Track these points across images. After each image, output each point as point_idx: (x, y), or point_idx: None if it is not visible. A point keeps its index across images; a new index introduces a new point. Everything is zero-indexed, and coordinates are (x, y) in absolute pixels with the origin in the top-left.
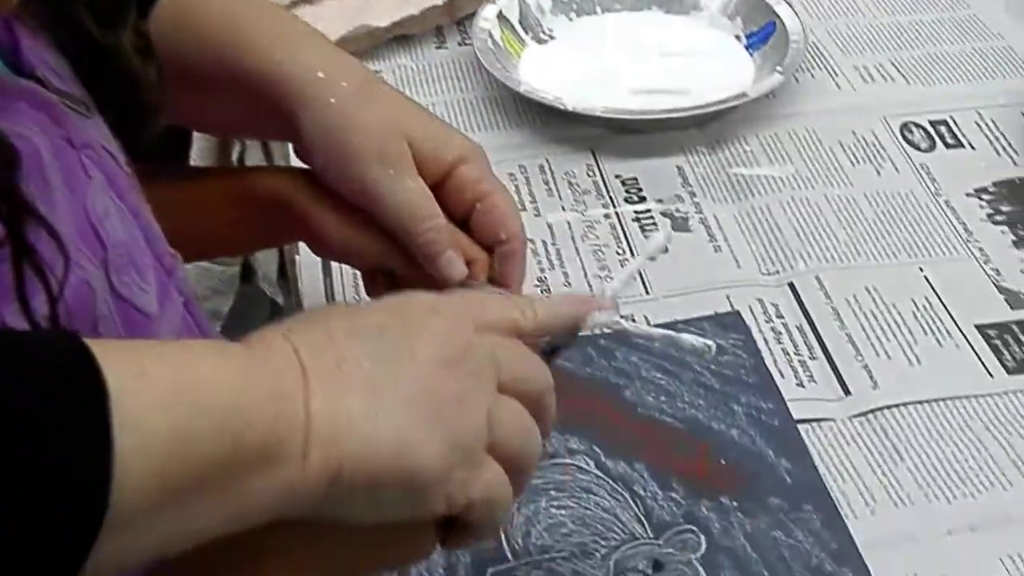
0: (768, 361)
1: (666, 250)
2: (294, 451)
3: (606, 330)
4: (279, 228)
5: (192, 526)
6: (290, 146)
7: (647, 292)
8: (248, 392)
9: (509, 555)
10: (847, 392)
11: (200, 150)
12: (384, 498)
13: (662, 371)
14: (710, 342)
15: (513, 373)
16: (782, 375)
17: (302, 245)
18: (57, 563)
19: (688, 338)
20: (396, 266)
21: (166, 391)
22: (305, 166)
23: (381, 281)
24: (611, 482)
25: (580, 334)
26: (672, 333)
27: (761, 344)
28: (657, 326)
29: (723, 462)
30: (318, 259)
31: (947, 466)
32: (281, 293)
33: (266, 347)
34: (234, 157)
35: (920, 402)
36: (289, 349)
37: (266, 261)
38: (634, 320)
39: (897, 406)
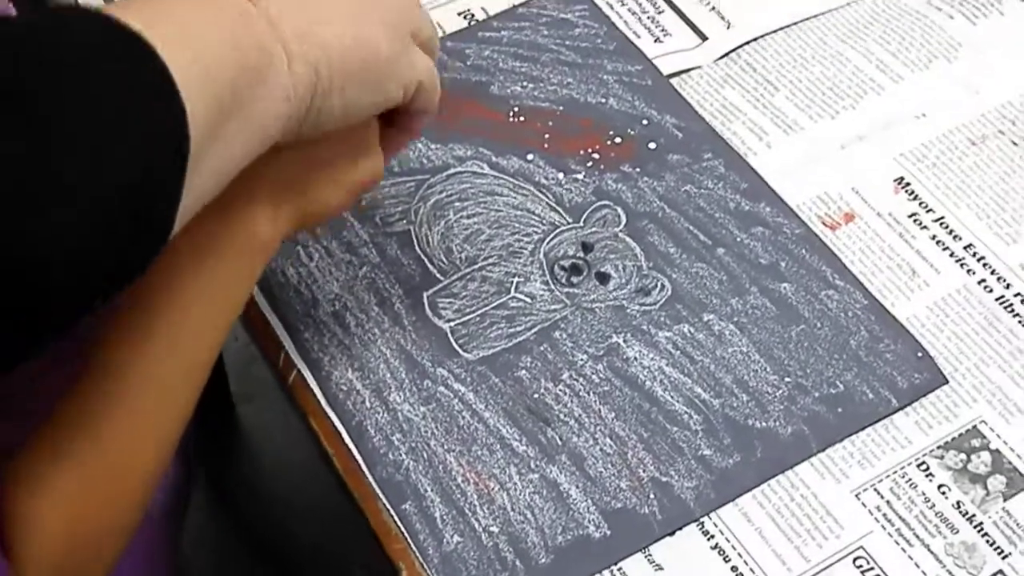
0: (620, 26)
1: None
2: (279, 60)
3: None
4: None
5: (229, 153)
6: None
7: None
8: (224, 18)
9: (438, 275)
10: (704, 38)
11: None
12: (354, 95)
13: (519, 59)
14: None
15: None
16: (637, 36)
17: None
18: (159, 206)
19: None
20: None
21: (177, 29)
22: None
23: None
24: (511, 179)
25: None
26: None
27: (608, 11)
28: (500, 14)
29: (612, 133)
30: None
31: (820, 85)
32: None
33: None
34: None
35: (774, 31)
36: None
37: None
38: (476, 17)
39: (756, 39)
